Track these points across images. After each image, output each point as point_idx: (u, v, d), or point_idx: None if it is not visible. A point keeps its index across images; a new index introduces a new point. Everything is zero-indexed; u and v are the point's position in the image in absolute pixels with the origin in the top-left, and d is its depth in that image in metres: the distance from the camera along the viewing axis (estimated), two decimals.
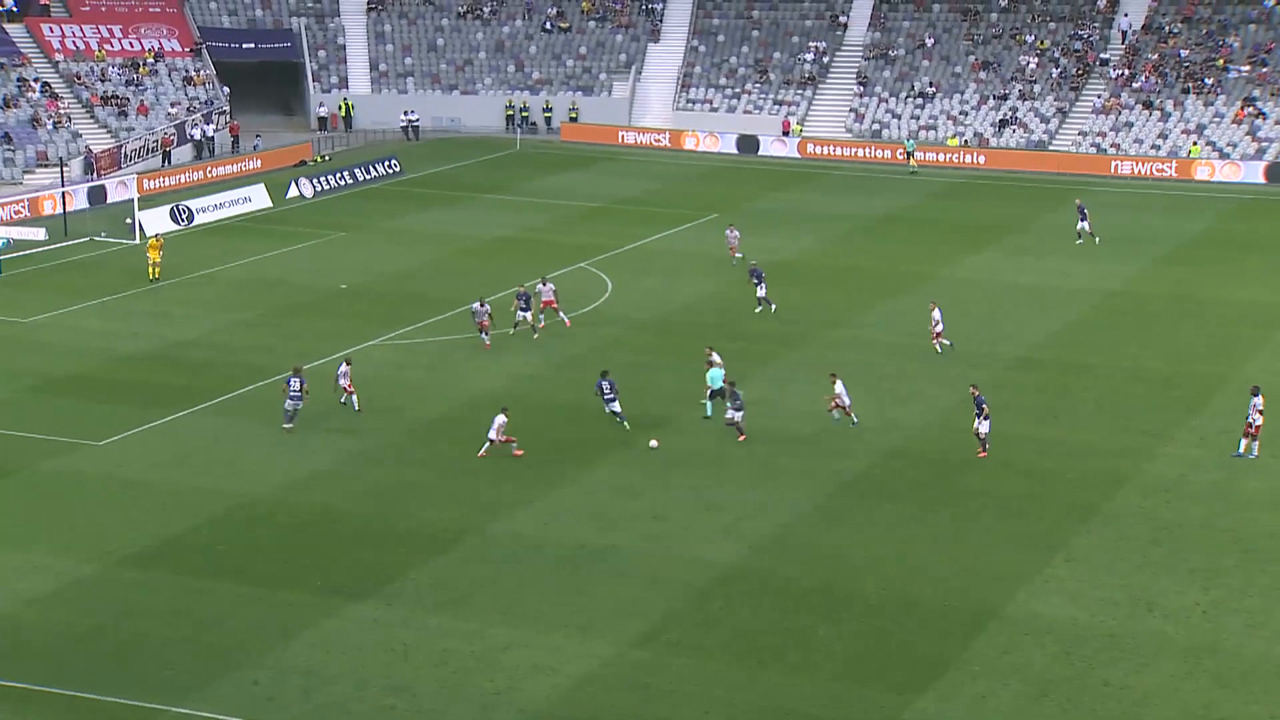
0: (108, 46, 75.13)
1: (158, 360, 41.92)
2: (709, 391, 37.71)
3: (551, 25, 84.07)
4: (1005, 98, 77.07)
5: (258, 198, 62.57)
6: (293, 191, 64.28)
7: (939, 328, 43.09)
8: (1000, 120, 75.99)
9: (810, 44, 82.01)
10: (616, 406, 36.69)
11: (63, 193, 58.57)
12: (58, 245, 53.90)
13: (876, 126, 77.51)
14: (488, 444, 34.69)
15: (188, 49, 77.19)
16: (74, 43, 74.66)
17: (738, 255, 52.65)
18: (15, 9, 75.20)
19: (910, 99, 78.28)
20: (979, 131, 75.98)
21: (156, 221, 57.11)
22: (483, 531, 31.09)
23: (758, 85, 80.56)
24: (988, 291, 50.42)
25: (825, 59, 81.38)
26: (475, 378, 40.63)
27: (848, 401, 36.79)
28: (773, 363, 42.27)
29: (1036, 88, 77.28)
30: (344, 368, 37.61)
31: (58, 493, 32.80)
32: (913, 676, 25.72)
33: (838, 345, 44.16)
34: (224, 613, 27.48)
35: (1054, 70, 77.87)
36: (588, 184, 68.33)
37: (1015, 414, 38.17)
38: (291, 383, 36.18)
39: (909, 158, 72.67)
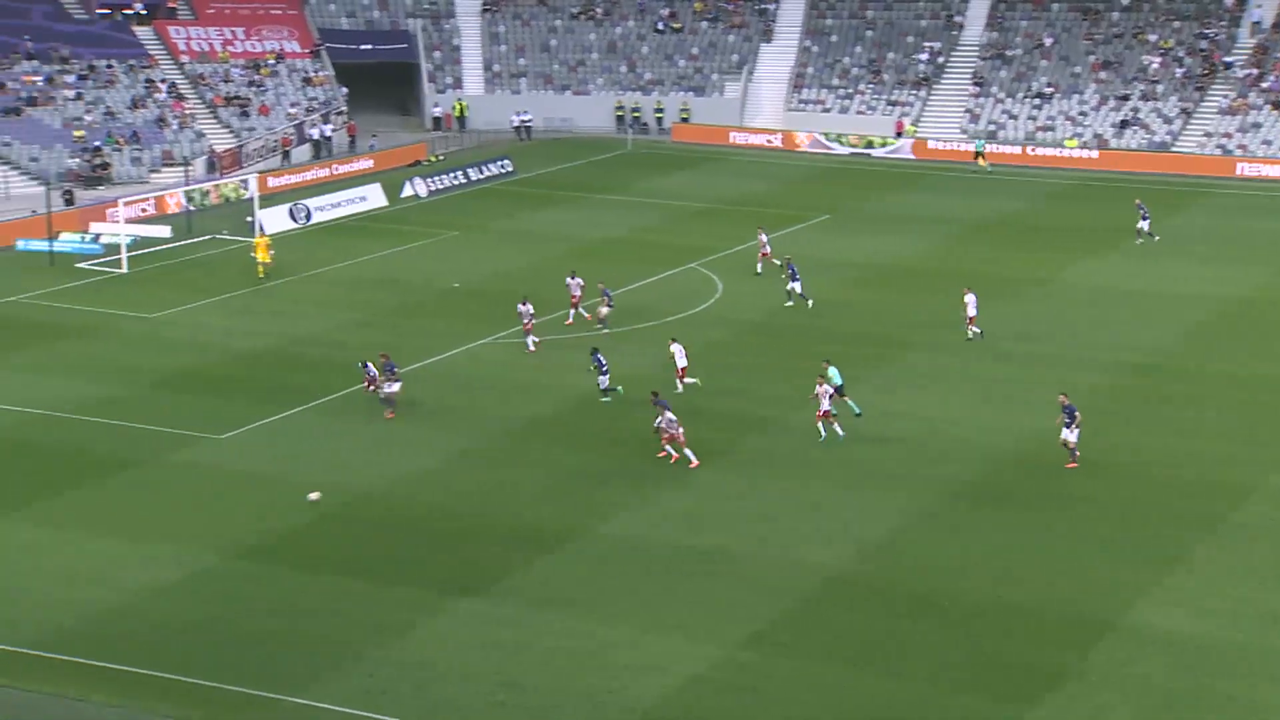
0: (231, 48, 76.80)
1: (275, 357, 42.74)
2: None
3: (664, 26, 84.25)
4: (1126, 98, 75.68)
5: (373, 197, 63.53)
6: (407, 191, 65.15)
7: (972, 312, 43.35)
8: (1121, 121, 74.63)
9: (925, 44, 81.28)
10: (604, 381, 37.98)
11: (186, 191, 59.94)
12: (181, 243, 55.16)
13: (992, 127, 76.56)
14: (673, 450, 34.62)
15: (307, 50, 78.62)
16: (199, 44, 76.43)
17: (774, 261, 50.91)
18: (144, 12, 77.24)
19: (1027, 99, 77.22)
20: (1098, 132, 74.71)
21: (275, 220, 58.23)
22: (591, 531, 31.26)
23: (871, 86, 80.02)
24: (1105, 296, 49.55)
25: (940, 59, 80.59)
26: (584, 377, 40.84)
27: (825, 406, 35.91)
28: (881, 366, 41.96)
29: (1159, 88, 75.77)
30: (370, 366, 38.10)
31: (180, 485, 33.60)
32: (1027, 686, 25.37)
33: (947, 349, 43.70)
34: (339, 606, 27.95)
35: (1178, 70, 76.29)
36: (699, 184, 68.38)
37: (1133, 422, 37.48)
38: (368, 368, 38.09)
39: (978, 156, 71.73)
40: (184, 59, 75.28)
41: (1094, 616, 27.68)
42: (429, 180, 66.48)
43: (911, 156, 74.54)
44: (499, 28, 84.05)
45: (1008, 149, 73.60)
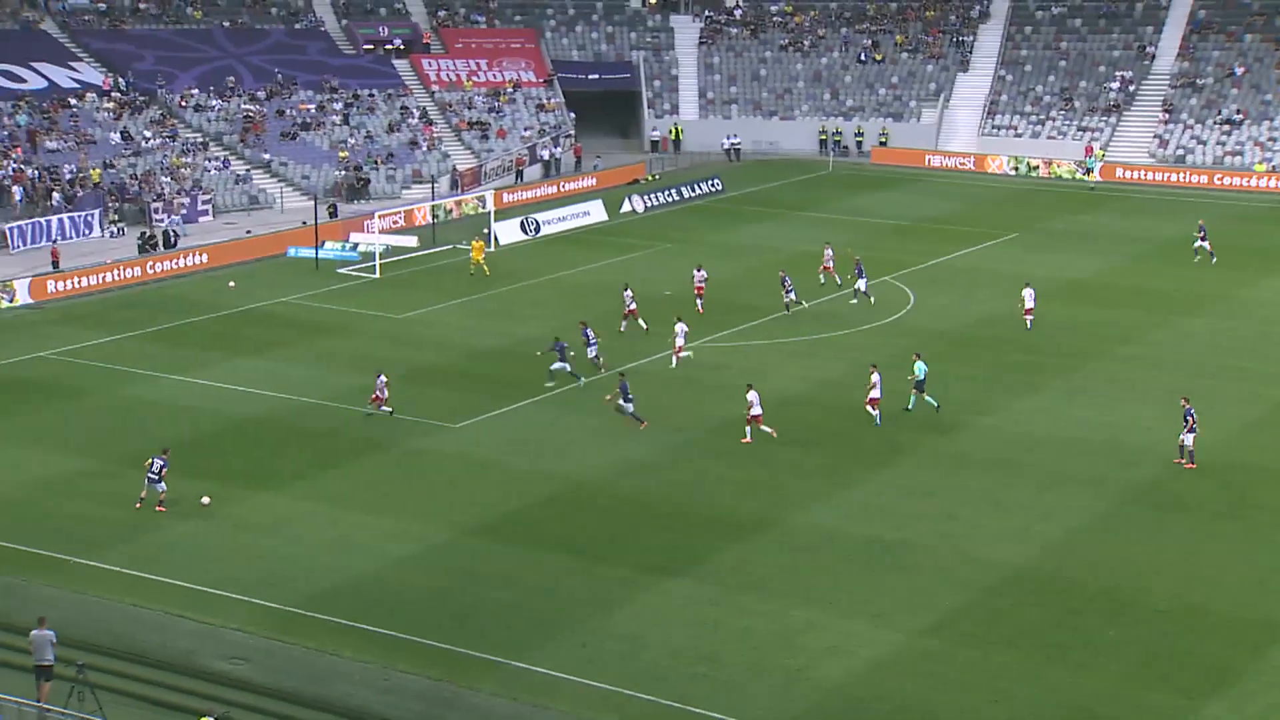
0: (475, 78, 78.85)
1: (505, 355, 43.71)
2: (914, 383, 37.32)
3: (866, 57, 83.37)
4: None
5: (595, 212, 64.42)
6: (626, 207, 65.86)
7: (1030, 304, 44.46)
8: None
9: (1117, 73, 78.54)
10: (565, 366, 39.03)
11: (431, 205, 61.75)
12: (426, 251, 56.81)
13: (1180, 152, 73.51)
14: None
15: (541, 80, 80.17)
16: (447, 75, 78.71)
17: (836, 278, 50.06)
18: (402, 47, 79.91)
19: (1216, 125, 73.88)
20: None
21: (508, 232, 59.54)
22: (784, 522, 31.16)
23: (1062, 113, 77.70)
24: None
25: (1131, 87, 77.75)
26: (782, 380, 40.72)
27: (878, 395, 36.16)
28: (1065, 375, 40.75)
29: None
30: (381, 379, 36.89)
31: (420, 468, 34.62)
32: (1202, 682, 24.34)
33: (1131, 361, 42.19)
34: (555, 582, 28.45)
35: None
36: (895, 203, 67.44)
37: None
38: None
39: (1089, 173, 70.31)
40: (434, 88, 77.60)
41: (1271, 618, 26.39)
42: (646, 197, 67.08)
43: (1099, 179, 72.13)
44: (714, 59, 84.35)
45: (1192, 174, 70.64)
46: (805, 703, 24.15)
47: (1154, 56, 79.06)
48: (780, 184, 72.46)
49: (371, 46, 79.65)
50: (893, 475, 33.69)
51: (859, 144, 79.56)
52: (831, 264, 50.88)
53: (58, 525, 31.00)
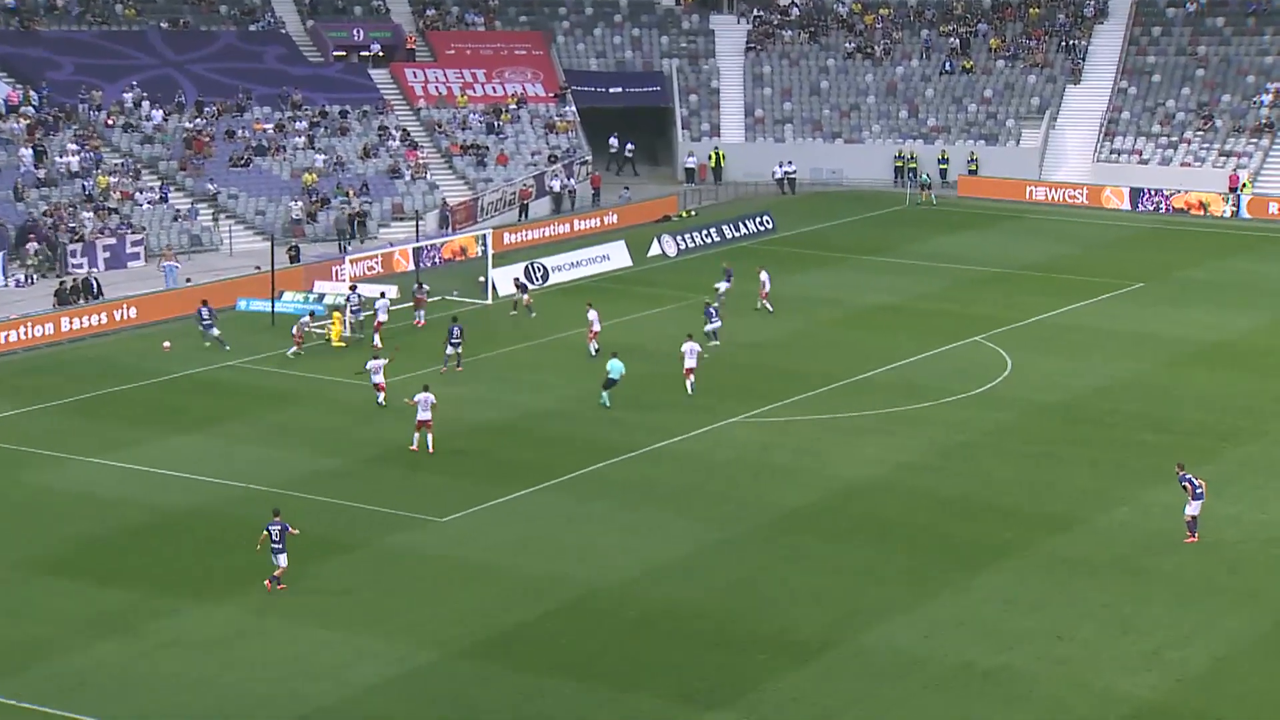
0: (470, 92, 79.62)
1: (506, 431, 43.72)
2: (606, 381, 44.08)
3: (952, 65, 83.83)
4: None
5: (617, 256, 64.71)
6: (654, 250, 66.16)
7: (765, 289, 54.73)
8: None
9: (1269, 84, 78.74)
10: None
11: (414, 248, 62.07)
12: (408, 305, 56.98)
13: None
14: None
15: (551, 94, 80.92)
16: (436, 88, 79.48)
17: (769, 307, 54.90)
18: (380, 54, 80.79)
19: None
20: None
21: (509, 281, 59.72)
22: (853, 640, 30.93)
23: (1199, 134, 77.86)
24: None
25: None
26: (848, 464, 40.60)
27: (693, 364, 45.02)
28: (1211, 460, 40.44)
29: None
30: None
31: (398, 572, 34.51)
32: None
33: None
34: (569, 715, 28.23)
35: None
36: (987, 246, 67.57)
37: None
38: (453, 330, 48.70)
39: (925, 189, 75.43)
40: (420, 104, 78.34)
41: None
42: (679, 237, 67.38)
43: (1247, 216, 72.10)
44: (763, 68, 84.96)
45: None
46: None
47: None
48: (844, 222, 72.77)
49: (343, 53, 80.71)
50: (992, 582, 33.46)
51: (942, 173, 79.92)
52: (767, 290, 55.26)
53: None
